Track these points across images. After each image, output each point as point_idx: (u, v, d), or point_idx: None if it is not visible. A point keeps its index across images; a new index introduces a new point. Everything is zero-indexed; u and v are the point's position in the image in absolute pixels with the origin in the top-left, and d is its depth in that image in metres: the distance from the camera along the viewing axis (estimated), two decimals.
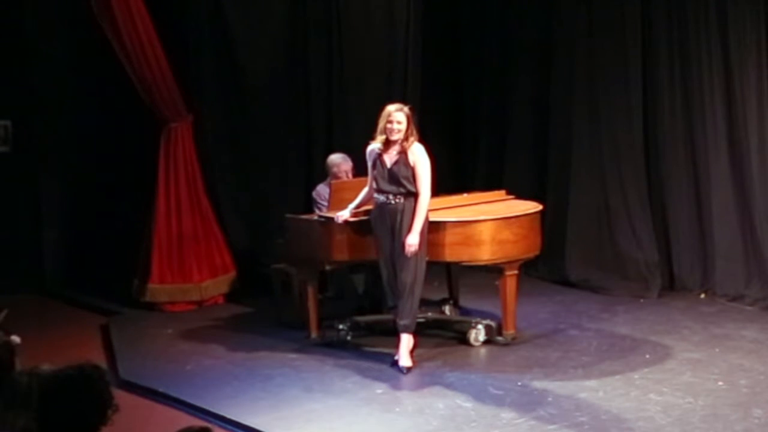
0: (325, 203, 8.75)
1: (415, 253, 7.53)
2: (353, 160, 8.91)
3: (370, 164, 7.76)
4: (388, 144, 7.64)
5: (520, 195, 8.89)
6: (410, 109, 7.72)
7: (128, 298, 9.69)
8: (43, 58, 10.37)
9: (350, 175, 8.92)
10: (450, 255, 7.99)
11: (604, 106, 10.03)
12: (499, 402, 6.91)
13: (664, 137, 9.77)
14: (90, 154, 10.52)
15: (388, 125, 7.59)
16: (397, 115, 7.59)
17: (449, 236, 7.89)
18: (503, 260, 8.04)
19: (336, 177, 8.93)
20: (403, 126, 7.58)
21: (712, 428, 6.34)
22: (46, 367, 3.73)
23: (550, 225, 9.64)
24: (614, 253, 9.96)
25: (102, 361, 7.91)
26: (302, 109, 10.47)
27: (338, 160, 9.05)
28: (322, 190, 8.97)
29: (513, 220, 8.09)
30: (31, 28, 10.31)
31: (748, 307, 9.05)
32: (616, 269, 9.91)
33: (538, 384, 7.25)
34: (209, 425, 3.62)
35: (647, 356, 7.81)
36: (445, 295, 9.03)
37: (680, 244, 9.75)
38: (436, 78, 11.18)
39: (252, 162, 10.29)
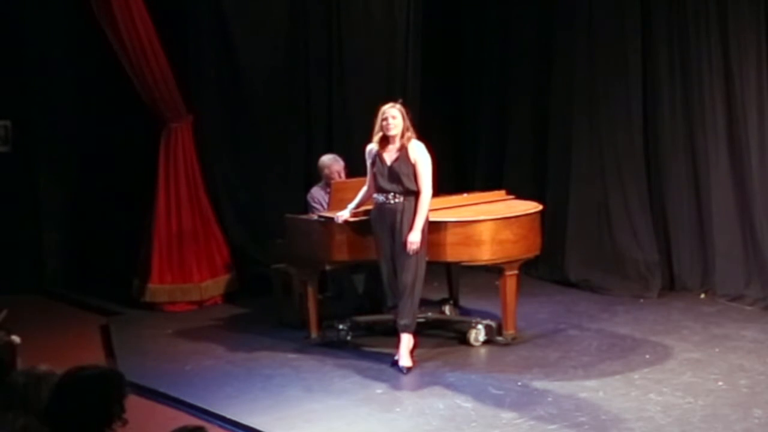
0: (318, 206, 8.76)
1: (417, 251, 7.53)
2: (353, 161, 8.89)
3: (369, 163, 7.76)
4: (386, 142, 7.65)
5: (520, 195, 8.88)
6: (403, 105, 7.74)
7: (128, 298, 9.69)
8: (43, 58, 10.36)
9: (342, 176, 8.91)
10: (450, 255, 7.99)
11: (604, 106, 10.03)
12: (499, 402, 6.90)
13: (664, 137, 9.76)
14: (90, 154, 10.52)
15: (384, 122, 7.61)
16: (391, 111, 7.62)
17: (449, 236, 7.88)
18: (503, 260, 8.04)
19: (328, 178, 8.93)
20: (399, 120, 7.59)
21: (712, 428, 6.33)
22: (44, 366, 3.73)
23: (550, 225, 9.62)
24: (614, 253, 9.95)
25: (102, 361, 7.93)
26: (302, 109, 10.48)
27: (328, 161, 9.05)
28: (315, 193, 8.97)
29: (513, 220, 8.09)
30: (31, 28, 10.30)
31: (748, 307, 9.04)
32: (616, 269, 9.90)
33: (538, 384, 7.24)
34: (204, 424, 3.62)
35: (647, 356, 7.81)
36: (445, 295, 9.02)
37: (680, 244, 9.75)
38: (436, 78, 11.18)
39: (252, 162, 10.29)
